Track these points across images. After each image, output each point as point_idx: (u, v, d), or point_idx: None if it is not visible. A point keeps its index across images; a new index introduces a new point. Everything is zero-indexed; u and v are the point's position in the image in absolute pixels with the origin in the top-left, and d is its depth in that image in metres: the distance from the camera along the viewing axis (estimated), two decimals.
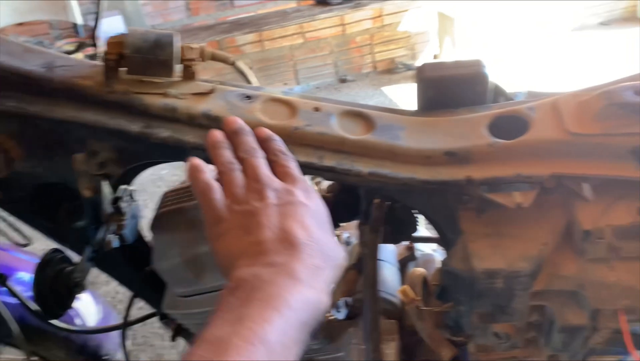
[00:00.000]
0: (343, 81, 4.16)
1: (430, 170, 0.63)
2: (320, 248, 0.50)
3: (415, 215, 0.79)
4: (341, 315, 0.78)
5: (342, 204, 0.80)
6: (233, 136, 0.58)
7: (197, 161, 0.56)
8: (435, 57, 4.06)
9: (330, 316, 0.69)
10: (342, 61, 4.16)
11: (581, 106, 0.62)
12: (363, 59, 4.21)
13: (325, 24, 3.98)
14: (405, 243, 0.96)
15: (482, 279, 0.60)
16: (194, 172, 0.56)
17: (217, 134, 0.58)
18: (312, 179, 0.86)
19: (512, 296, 0.61)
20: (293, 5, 4.14)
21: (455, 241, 0.65)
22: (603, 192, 0.61)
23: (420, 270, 0.83)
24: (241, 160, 0.56)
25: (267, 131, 0.60)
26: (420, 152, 0.64)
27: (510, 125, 0.64)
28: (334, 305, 0.79)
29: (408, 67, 4.14)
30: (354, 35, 4.08)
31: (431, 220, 0.72)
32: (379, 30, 4.11)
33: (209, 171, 0.57)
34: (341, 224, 0.84)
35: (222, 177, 0.56)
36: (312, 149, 0.64)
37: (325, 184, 0.86)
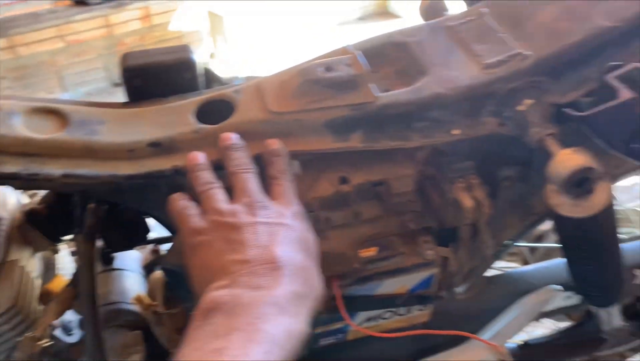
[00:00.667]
0: (117, 84, 3.90)
1: (134, 164, 0.58)
2: (304, 276, 0.48)
3: (143, 217, 0.74)
4: (74, 337, 0.70)
5: (60, 216, 0.72)
6: (225, 152, 0.55)
7: (176, 194, 0.54)
8: (211, 56, 4.03)
9: (48, 342, 0.61)
10: (114, 64, 3.90)
11: (282, 85, 0.62)
12: None
13: (87, 26, 3.67)
14: (151, 246, 0.90)
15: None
16: (171, 202, 0.54)
17: (196, 156, 0.54)
18: (24, 191, 0.75)
19: None
20: (47, 6, 3.75)
21: None
22: (310, 166, 0.63)
23: (160, 273, 0.78)
24: (231, 175, 0.53)
25: (276, 145, 0.56)
26: (122, 146, 0.59)
27: (218, 110, 0.63)
28: (64, 328, 0.70)
29: None
30: (123, 36, 3.85)
31: (155, 218, 0.67)
32: (149, 31, 3.94)
33: (185, 198, 0.54)
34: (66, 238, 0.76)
35: (201, 197, 0.52)
36: None
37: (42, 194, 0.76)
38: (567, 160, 0.54)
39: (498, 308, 0.83)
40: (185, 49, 0.67)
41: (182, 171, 0.58)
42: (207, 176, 0.54)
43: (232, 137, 0.56)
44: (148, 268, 0.88)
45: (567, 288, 0.81)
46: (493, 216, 0.77)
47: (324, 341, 0.70)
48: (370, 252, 0.62)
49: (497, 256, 0.89)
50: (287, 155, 0.57)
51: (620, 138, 0.55)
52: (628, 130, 0.55)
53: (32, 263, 0.70)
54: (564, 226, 0.64)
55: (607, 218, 0.60)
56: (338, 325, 0.68)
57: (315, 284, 0.50)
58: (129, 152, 0.59)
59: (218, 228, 0.49)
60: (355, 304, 0.65)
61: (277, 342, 0.43)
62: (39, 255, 0.74)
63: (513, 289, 0.83)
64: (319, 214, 0.61)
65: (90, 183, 0.57)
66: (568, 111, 0.57)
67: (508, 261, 1.07)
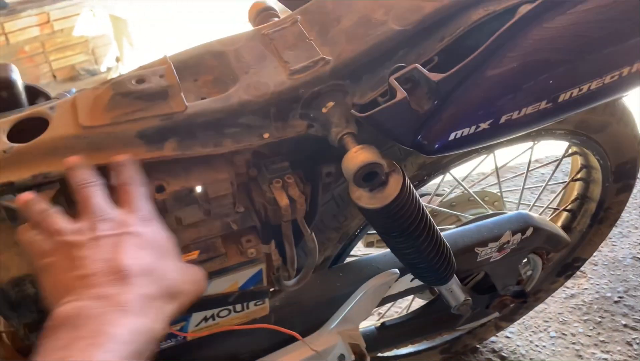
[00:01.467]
0: None
1: None
2: (155, 278, 0.49)
3: None
4: None
5: None
6: (68, 173, 0.56)
7: (23, 227, 0.54)
8: (117, 59, 3.93)
9: None
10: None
11: (95, 100, 0.64)
12: (39, 68, 3.84)
13: None
14: None
15: (12, 290, 0.58)
16: (19, 234, 0.54)
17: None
18: None
19: None
20: None
21: None
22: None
23: None
24: (76, 193, 0.54)
25: (121, 157, 0.57)
26: None
27: (33, 127, 0.63)
28: None
29: (92, 73, 3.93)
30: (22, 44, 3.69)
31: None
32: (50, 37, 3.79)
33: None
34: None
35: (41, 221, 0.52)
36: None
37: None
38: (355, 157, 0.59)
39: (349, 294, 0.88)
40: (2, 67, 0.67)
41: None
42: (41, 203, 0.54)
43: (72, 159, 0.57)
44: None
45: (402, 270, 0.87)
46: (334, 207, 0.82)
47: (165, 345, 0.72)
48: (192, 256, 0.64)
49: (351, 244, 0.94)
50: (133, 163, 0.58)
51: (402, 133, 0.60)
52: (407, 125, 0.60)
53: None
54: (369, 217, 0.69)
55: (404, 206, 0.65)
56: (174, 327, 0.70)
57: (171, 282, 0.51)
58: None
59: (61, 248, 0.50)
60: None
61: (121, 341, 0.43)
62: None
63: (362, 275, 0.88)
64: None
65: None
66: (352, 112, 0.62)
67: (378, 246, 1.13)
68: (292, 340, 0.87)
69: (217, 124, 0.64)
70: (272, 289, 0.73)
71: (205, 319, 0.71)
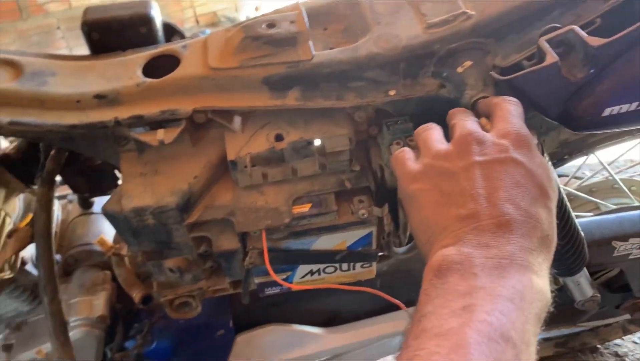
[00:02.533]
0: None
1: (79, 114, 0.61)
2: (535, 225, 0.42)
3: (111, 165, 0.78)
4: None
5: (31, 160, 0.77)
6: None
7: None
8: (256, 9, 4.03)
9: (8, 275, 0.67)
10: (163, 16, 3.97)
11: (226, 42, 0.63)
12: (184, 13, 4.05)
13: None
14: None
15: (132, 218, 0.61)
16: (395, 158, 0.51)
17: None
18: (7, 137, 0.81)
19: (169, 231, 0.63)
20: None
21: None
22: (250, 123, 0.64)
23: None
24: (452, 126, 0.50)
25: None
26: (70, 97, 0.62)
27: (165, 64, 0.65)
28: (32, 263, 0.76)
29: (232, 21, 4.07)
30: None
31: (111, 166, 0.71)
32: None
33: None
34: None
35: (418, 139, 0.50)
36: None
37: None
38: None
39: None
40: (143, 4, 0.69)
41: (123, 123, 0.61)
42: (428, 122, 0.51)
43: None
44: None
45: None
46: None
47: (270, 291, 0.72)
48: (303, 208, 0.63)
49: None
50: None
51: (548, 102, 0.53)
52: (555, 95, 0.52)
53: (10, 204, 0.76)
54: None
55: None
56: (281, 276, 0.70)
57: (546, 229, 0.43)
58: (76, 103, 0.62)
59: (431, 174, 0.46)
60: (292, 257, 0.67)
61: (529, 301, 0.39)
62: (20, 197, 0.80)
63: None
64: (255, 170, 0.62)
65: (36, 131, 0.61)
66: (492, 74, 0.55)
67: None
68: (394, 308, 0.85)
69: (342, 76, 0.61)
70: (380, 254, 0.70)
71: (311, 273, 0.71)
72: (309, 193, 0.64)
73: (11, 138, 0.82)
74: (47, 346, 0.76)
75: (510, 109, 0.48)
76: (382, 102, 0.61)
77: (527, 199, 0.43)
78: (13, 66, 0.64)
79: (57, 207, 0.89)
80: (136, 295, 0.71)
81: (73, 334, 0.75)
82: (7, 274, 0.66)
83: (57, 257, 0.79)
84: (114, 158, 0.67)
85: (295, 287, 0.69)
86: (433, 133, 0.49)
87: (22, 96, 0.61)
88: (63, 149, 0.70)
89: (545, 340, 1.27)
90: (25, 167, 0.77)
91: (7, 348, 0.80)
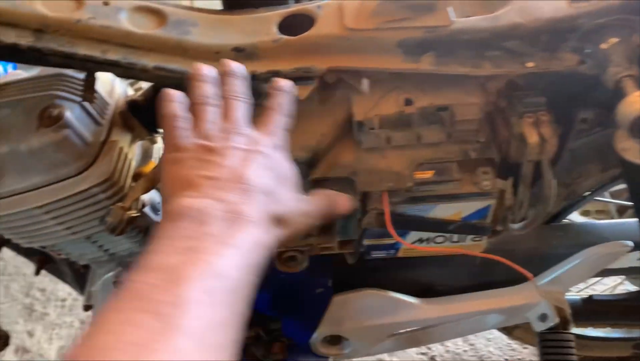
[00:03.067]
0: None
1: (217, 65, 0.64)
2: (272, 200, 0.50)
3: None
4: (160, 217, 0.80)
5: (155, 110, 0.80)
6: (224, 77, 0.57)
7: (171, 91, 0.55)
8: None
9: (135, 213, 0.70)
10: None
11: (362, 4, 0.64)
12: None
13: None
14: None
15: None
16: (164, 101, 0.55)
17: (204, 68, 0.57)
18: (131, 84, 0.85)
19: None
20: None
21: None
22: (378, 85, 0.65)
23: None
24: (223, 100, 0.55)
25: (280, 83, 0.58)
26: (210, 48, 0.64)
27: (299, 23, 0.66)
28: (153, 207, 0.80)
29: None
30: None
31: None
32: None
33: (180, 102, 0.55)
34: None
35: (194, 110, 0.54)
36: (96, 42, 0.63)
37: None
38: (637, 102, 0.52)
39: (563, 255, 0.82)
40: None
41: (259, 77, 0.63)
42: (206, 88, 0.55)
43: (235, 65, 0.58)
44: None
45: (638, 246, 0.77)
46: (568, 160, 0.76)
47: (375, 254, 0.74)
48: (426, 174, 0.64)
49: (573, 206, 0.86)
50: (291, 93, 0.59)
51: None
52: None
53: (132, 149, 0.80)
54: (631, 174, 0.61)
55: None
56: (390, 241, 0.71)
57: (284, 208, 0.51)
58: (215, 54, 0.64)
59: (196, 148, 0.51)
60: (407, 223, 0.67)
61: (245, 248, 0.44)
62: (139, 144, 0.84)
63: (583, 240, 0.81)
64: (380, 132, 0.63)
65: (179, 78, 0.64)
66: None
67: (593, 218, 1.03)
68: (489, 286, 0.85)
69: (480, 44, 0.61)
70: (493, 229, 0.70)
71: (420, 240, 0.71)
72: (432, 160, 0.65)
73: (136, 86, 0.86)
74: None
75: (278, 120, 0.56)
76: (518, 74, 0.61)
77: (270, 181, 0.51)
78: (158, 14, 0.66)
79: None
80: None
81: None
82: (134, 213, 0.70)
83: None
84: None
85: (412, 247, 0.70)
86: (205, 111, 0.54)
87: (166, 43, 0.64)
88: None
89: (624, 339, 1.24)
90: (150, 114, 0.80)
91: (120, 285, 0.85)
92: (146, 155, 0.87)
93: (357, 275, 0.85)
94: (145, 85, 0.82)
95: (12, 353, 1.65)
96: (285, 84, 0.59)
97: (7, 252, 2.01)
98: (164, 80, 0.65)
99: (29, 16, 0.62)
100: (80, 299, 1.77)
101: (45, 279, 1.82)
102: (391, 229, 0.64)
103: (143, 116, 0.80)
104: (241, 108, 0.56)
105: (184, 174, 0.49)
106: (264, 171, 0.51)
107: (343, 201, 0.60)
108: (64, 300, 1.77)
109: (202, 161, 0.50)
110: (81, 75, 0.74)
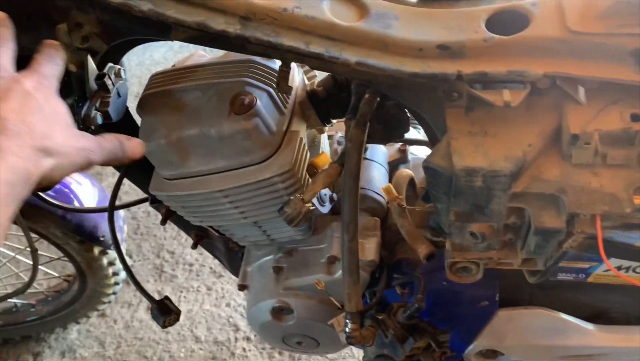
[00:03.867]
0: None
1: (421, 63, 0.60)
2: (34, 133, 0.53)
3: (408, 115, 0.78)
4: (325, 208, 0.79)
5: (334, 100, 0.79)
6: None
7: None
8: None
9: (312, 207, 0.70)
10: None
11: (588, 4, 0.58)
12: None
13: None
14: (398, 145, 0.95)
15: (461, 177, 0.59)
16: None
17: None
18: (306, 73, 0.84)
19: (490, 196, 0.61)
20: None
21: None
22: (597, 96, 0.58)
23: (408, 171, 0.83)
24: None
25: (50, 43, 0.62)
26: (413, 44, 0.61)
27: (510, 21, 0.61)
28: (319, 199, 0.79)
29: None
30: None
31: (420, 118, 0.70)
32: None
33: None
34: (333, 121, 0.84)
35: None
36: (299, 33, 0.62)
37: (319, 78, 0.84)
38: None
39: None
40: None
41: (465, 78, 0.59)
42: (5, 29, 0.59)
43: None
44: (393, 165, 0.94)
45: None
46: None
47: (562, 276, 0.68)
48: None
49: None
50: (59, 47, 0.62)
51: None
52: None
53: (305, 138, 0.79)
54: None
55: None
56: (583, 265, 0.65)
57: (51, 141, 0.54)
58: (418, 51, 0.61)
59: None
60: (614, 249, 0.61)
61: (5, 180, 0.48)
62: (305, 133, 0.83)
63: None
64: (598, 148, 0.57)
65: (378, 74, 0.61)
66: None
67: None
68: None
69: None
70: None
71: (619, 268, 0.65)
72: None
73: (311, 74, 0.85)
74: (321, 277, 0.80)
75: (45, 66, 0.60)
76: None
77: (30, 117, 0.53)
78: (359, 5, 0.64)
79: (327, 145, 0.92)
80: (422, 250, 0.72)
81: None
82: (311, 206, 0.69)
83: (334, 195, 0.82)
84: (432, 112, 0.66)
85: (619, 275, 0.64)
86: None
87: (368, 37, 0.61)
88: (377, 93, 0.70)
89: None
90: (326, 105, 0.79)
91: (278, 270, 0.86)
92: (313, 144, 0.86)
93: (523, 291, 0.80)
94: (319, 74, 0.80)
95: (143, 311, 1.76)
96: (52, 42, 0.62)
97: (139, 212, 2.13)
98: (361, 75, 0.63)
99: (237, 3, 0.61)
100: (207, 266, 1.86)
101: (174, 242, 1.92)
102: (604, 257, 0.58)
103: (320, 107, 0.79)
104: (4, 53, 0.57)
105: None
106: (24, 107, 0.54)
107: (134, 145, 0.63)
108: (191, 265, 1.85)
109: None
110: (269, 62, 0.74)
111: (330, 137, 0.97)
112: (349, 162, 0.68)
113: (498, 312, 0.78)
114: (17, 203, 0.50)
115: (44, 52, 0.61)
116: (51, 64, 0.60)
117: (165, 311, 0.86)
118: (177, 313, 0.86)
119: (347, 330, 0.69)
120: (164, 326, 0.86)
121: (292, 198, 0.69)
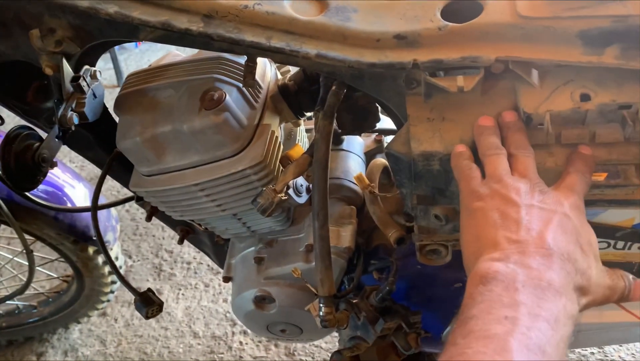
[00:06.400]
0: None
1: (379, 53, 0.62)
2: (573, 268, 0.49)
3: (377, 106, 0.80)
4: (302, 199, 0.81)
5: (305, 93, 0.81)
6: (506, 129, 0.58)
7: (463, 148, 0.58)
8: None
9: (284, 197, 0.72)
10: None
11: None
12: None
13: None
14: (374, 135, 0.97)
15: (419, 162, 0.61)
16: (455, 156, 0.58)
17: (488, 121, 0.59)
18: (279, 68, 0.86)
19: (449, 178, 0.63)
20: None
21: None
22: (550, 78, 0.60)
23: (382, 160, 0.85)
24: (510, 155, 0.56)
25: (511, 116, 0.59)
26: (370, 35, 0.63)
27: (465, 9, 0.63)
28: (295, 190, 0.81)
29: None
30: None
31: (386, 108, 0.72)
32: None
33: (468, 154, 0.58)
34: (307, 114, 0.86)
35: (485, 160, 0.56)
36: (261, 29, 0.64)
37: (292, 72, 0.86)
38: None
39: None
40: None
41: (421, 66, 0.61)
42: (494, 141, 0.56)
43: (512, 117, 0.58)
44: (369, 155, 0.96)
45: None
46: None
47: None
48: (598, 177, 0.59)
49: None
50: (591, 157, 0.57)
51: None
52: None
53: (278, 131, 0.81)
54: None
55: None
56: None
57: (587, 279, 0.49)
58: (376, 42, 0.63)
59: (496, 198, 0.52)
60: None
61: (561, 323, 0.44)
62: (282, 125, 0.85)
63: None
64: (549, 128, 0.59)
65: (338, 66, 0.63)
66: None
67: None
68: None
69: None
70: None
71: None
72: (606, 161, 0.59)
73: (283, 69, 0.87)
74: (300, 266, 0.83)
75: (580, 184, 0.55)
76: None
77: (571, 246, 0.49)
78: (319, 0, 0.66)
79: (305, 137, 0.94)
80: (392, 235, 0.74)
81: None
82: (283, 196, 0.71)
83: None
84: (395, 100, 0.68)
85: None
86: (501, 161, 0.55)
87: (327, 30, 0.64)
88: (343, 85, 0.72)
89: None
90: (298, 99, 0.81)
91: (260, 260, 0.88)
92: (289, 137, 0.88)
93: None
94: (292, 68, 0.83)
95: None
96: (587, 151, 0.57)
97: (138, 214, 2.16)
98: (321, 67, 0.65)
99: (200, 2, 0.63)
100: (204, 263, 1.88)
101: (173, 242, 1.95)
102: None
103: (292, 100, 0.81)
104: (532, 164, 0.55)
105: (485, 231, 0.51)
106: (565, 235, 0.50)
107: (637, 288, 0.55)
108: (189, 263, 1.88)
109: (503, 215, 0.51)
110: (238, 58, 0.76)
111: (309, 130, 0.99)
112: (318, 152, 0.70)
113: None
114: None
115: (576, 165, 0.56)
116: (584, 183, 0.56)
117: (148, 303, 0.88)
118: (160, 304, 0.89)
119: (321, 314, 0.71)
120: (147, 317, 0.88)
121: (264, 189, 0.71)
